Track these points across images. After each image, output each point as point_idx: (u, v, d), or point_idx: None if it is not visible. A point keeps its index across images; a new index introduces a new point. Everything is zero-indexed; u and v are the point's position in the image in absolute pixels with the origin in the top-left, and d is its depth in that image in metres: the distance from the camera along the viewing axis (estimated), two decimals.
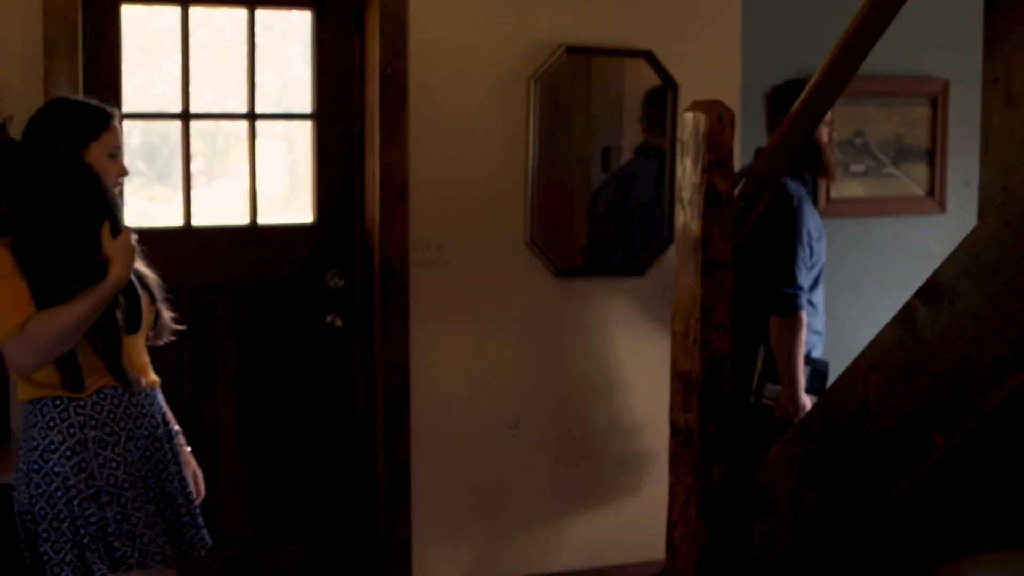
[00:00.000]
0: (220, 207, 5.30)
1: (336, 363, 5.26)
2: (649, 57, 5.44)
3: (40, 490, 3.45)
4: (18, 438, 3.83)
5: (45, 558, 3.46)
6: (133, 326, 3.60)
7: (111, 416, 3.53)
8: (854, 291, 6.01)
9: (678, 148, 3.44)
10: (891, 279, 5.77)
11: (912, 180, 6.10)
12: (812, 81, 3.63)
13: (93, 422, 3.50)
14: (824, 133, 4.99)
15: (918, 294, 2.86)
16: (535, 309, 5.40)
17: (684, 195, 3.43)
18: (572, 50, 5.31)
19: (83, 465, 3.46)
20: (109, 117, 3.68)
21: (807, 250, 4.85)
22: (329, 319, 5.19)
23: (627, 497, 5.62)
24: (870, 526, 3.02)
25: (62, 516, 3.45)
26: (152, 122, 5.21)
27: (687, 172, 3.41)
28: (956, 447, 2.80)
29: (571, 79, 5.37)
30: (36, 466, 3.46)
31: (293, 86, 5.28)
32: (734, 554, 3.41)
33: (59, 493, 3.44)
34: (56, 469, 3.45)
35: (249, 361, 5.14)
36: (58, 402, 3.48)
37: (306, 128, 5.22)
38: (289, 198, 5.46)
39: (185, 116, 4.98)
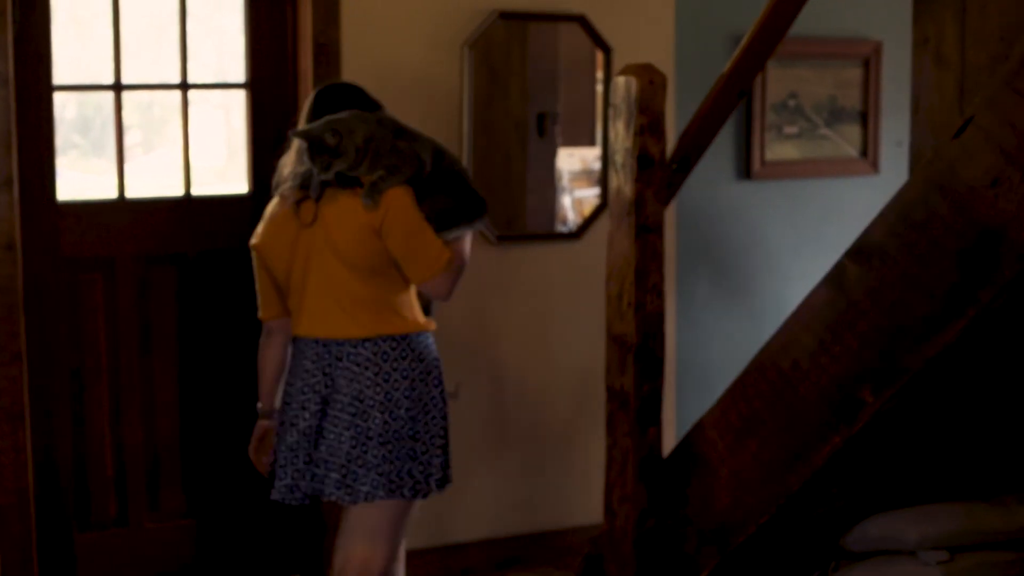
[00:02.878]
0: (158, 178, 5.26)
1: None
2: (583, 22, 5.44)
3: (428, 413, 3.92)
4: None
5: (424, 475, 3.90)
6: None
7: None
8: (788, 252, 6.05)
9: (611, 112, 3.45)
10: (825, 240, 5.80)
11: (846, 141, 6.14)
12: (743, 42, 3.65)
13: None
14: None
15: (848, 254, 2.89)
16: (473, 275, 5.40)
17: (617, 159, 3.45)
18: (506, 15, 5.30)
19: (442, 390, 3.98)
20: (379, 107, 4.08)
21: None
22: None
23: (566, 461, 5.64)
24: (803, 485, 3.05)
25: (441, 435, 3.94)
26: (86, 94, 5.17)
27: (620, 136, 3.43)
28: (887, 405, 2.83)
29: (505, 44, 5.36)
30: (428, 391, 3.91)
31: (230, 56, 5.24)
32: (670, 515, 3.44)
33: (441, 414, 3.95)
34: (434, 393, 3.93)
35: (187, 331, 5.12)
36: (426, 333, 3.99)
37: (242, 98, 5.19)
38: (226, 168, 5.43)
39: (117, 87, 4.94)
